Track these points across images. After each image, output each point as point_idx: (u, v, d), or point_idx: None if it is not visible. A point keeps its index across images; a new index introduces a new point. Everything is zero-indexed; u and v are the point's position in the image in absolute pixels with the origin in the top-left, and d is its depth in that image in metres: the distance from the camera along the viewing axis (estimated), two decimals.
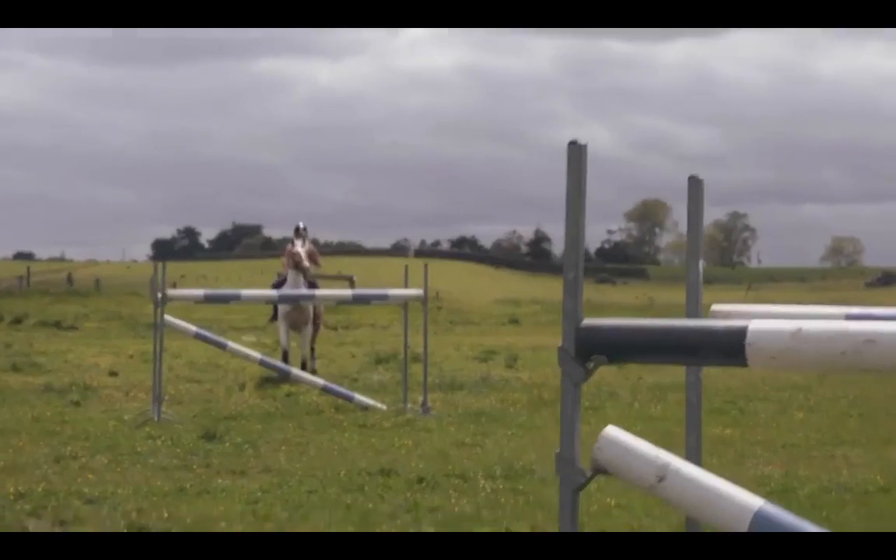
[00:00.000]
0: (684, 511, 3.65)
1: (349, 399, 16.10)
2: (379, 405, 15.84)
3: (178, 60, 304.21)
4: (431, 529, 8.42)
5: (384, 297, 17.70)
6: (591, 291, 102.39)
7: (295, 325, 19.82)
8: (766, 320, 3.34)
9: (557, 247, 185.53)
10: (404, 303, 17.01)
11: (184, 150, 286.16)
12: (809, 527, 3.26)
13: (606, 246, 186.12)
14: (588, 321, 3.64)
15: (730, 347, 3.30)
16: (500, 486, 10.17)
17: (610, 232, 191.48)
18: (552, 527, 8.54)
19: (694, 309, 4.34)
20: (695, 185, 4.33)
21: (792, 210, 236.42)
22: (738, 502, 3.38)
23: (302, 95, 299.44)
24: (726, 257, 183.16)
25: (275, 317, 20.88)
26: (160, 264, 15.34)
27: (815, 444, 12.92)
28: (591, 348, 3.61)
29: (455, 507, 9.28)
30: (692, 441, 4.46)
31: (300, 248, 19.76)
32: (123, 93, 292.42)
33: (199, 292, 18.27)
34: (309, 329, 19.84)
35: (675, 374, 18.83)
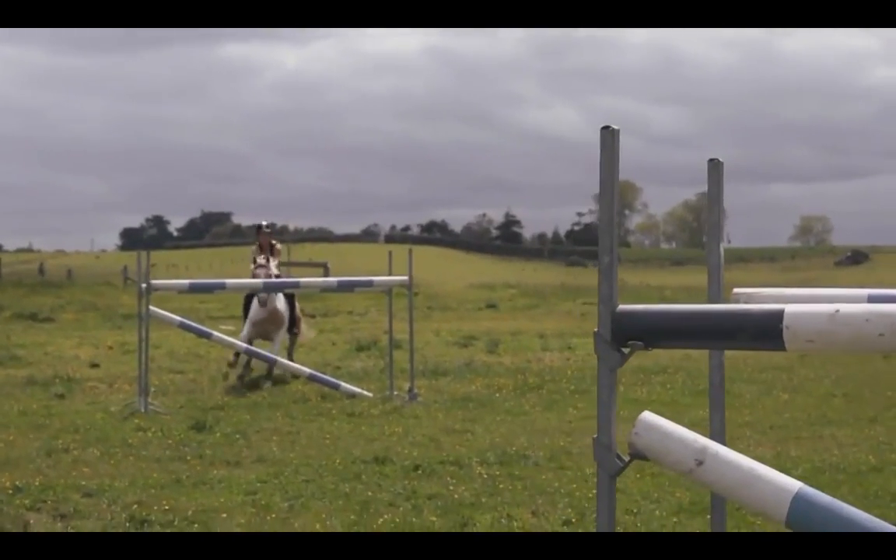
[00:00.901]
0: (723, 494, 3.68)
1: (335, 387, 16.16)
2: (365, 393, 15.89)
3: (142, 46, 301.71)
4: (433, 518, 8.46)
5: (369, 284, 17.54)
6: (563, 274, 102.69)
7: (265, 334, 17.87)
8: (802, 304, 3.38)
9: (528, 230, 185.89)
10: (388, 289, 17.00)
11: (150, 138, 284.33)
12: (849, 509, 3.31)
13: (576, 228, 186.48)
14: (624, 307, 3.67)
15: (767, 331, 3.33)
16: (496, 473, 10.20)
17: (579, 214, 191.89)
18: (552, 513, 8.62)
19: (716, 293, 4.37)
20: (715, 167, 4.36)
21: (760, 190, 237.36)
22: (778, 485, 3.41)
23: (269, 80, 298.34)
24: (696, 238, 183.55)
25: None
26: (143, 253, 15.29)
27: (802, 424, 13.02)
28: (627, 334, 3.64)
29: (454, 493, 9.31)
30: (716, 424, 4.49)
31: (262, 260, 17.87)
32: (87, 80, 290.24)
33: (185, 282, 17.97)
34: (281, 334, 18.00)
35: (656, 356, 18.94)
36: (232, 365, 17.63)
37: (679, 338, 3.70)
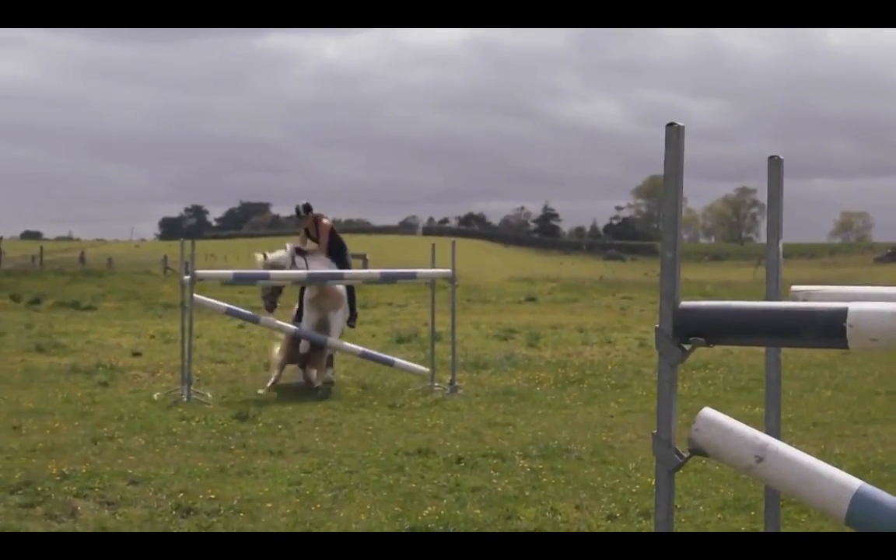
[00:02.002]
0: (783, 491, 3.68)
1: (390, 363, 16.44)
2: (420, 368, 16.19)
3: (184, 37, 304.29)
4: (477, 510, 8.47)
5: (412, 276, 17.31)
6: (601, 268, 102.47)
7: (322, 315, 16.33)
8: (865, 302, 3.37)
9: (566, 223, 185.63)
10: (432, 281, 16.98)
11: (190, 128, 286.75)
12: None
13: (615, 222, 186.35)
14: (686, 303, 3.68)
15: (831, 329, 3.34)
16: (539, 466, 10.21)
17: (618, 208, 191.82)
18: (596, 507, 8.63)
19: (775, 289, 4.37)
20: (775, 164, 4.36)
21: (801, 185, 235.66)
22: (838, 482, 3.41)
23: (309, 70, 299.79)
24: (735, 233, 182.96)
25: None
26: (187, 243, 15.37)
27: (845, 422, 12.96)
28: (689, 330, 3.65)
29: (497, 487, 9.32)
30: (772, 421, 4.50)
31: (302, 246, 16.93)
32: (128, 70, 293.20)
33: (229, 272, 17.96)
34: (340, 316, 16.50)
35: (697, 352, 18.83)
36: (271, 388, 15.97)
37: (741, 335, 3.71)
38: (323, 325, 16.25)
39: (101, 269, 64.55)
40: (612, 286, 57.61)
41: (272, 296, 16.96)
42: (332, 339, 16.25)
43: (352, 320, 17.29)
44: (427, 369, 15.89)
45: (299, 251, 16.68)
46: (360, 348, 16.94)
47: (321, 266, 16.40)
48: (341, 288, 16.60)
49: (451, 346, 16.17)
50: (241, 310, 17.39)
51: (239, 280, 17.94)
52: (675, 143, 3.69)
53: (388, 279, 18.45)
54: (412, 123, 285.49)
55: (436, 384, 15.76)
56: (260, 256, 16.86)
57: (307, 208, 17.31)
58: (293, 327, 16.58)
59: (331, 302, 16.43)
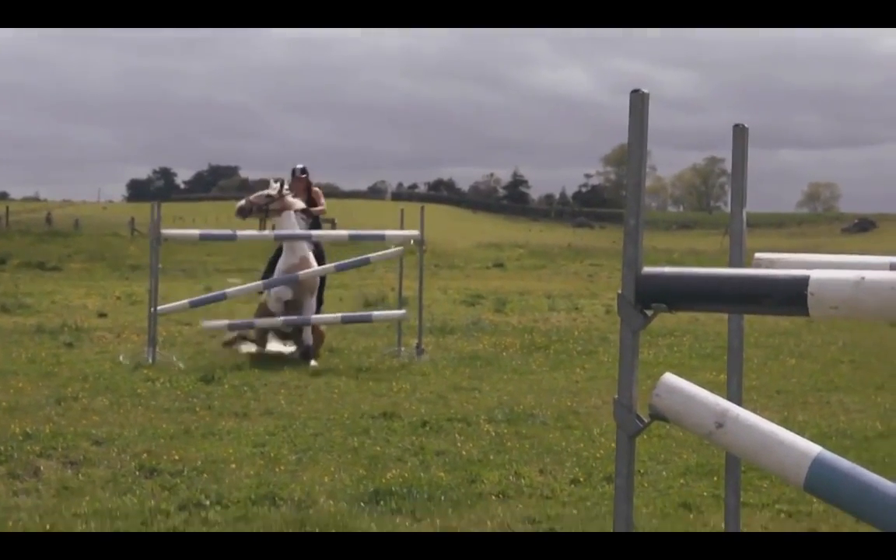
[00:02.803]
0: (742, 457, 3.70)
1: (368, 319, 16.80)
2: (397, 312, 16.23)
3: None
4: (441, 474, 8.48)
5: (381, 238, 16.52)
6: (570, 235, 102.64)
7: (298, 294, 15.49)
8: (827, 270, 3.38)
9: (535, 190, 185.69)
10: (400, 244, 16.88)
11: (159, 90, 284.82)
12: (867, 474, 3.32)
13: (584, 190, 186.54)
14: (648, 269, 3.68)
15: (792, 297, 3.34)
16: (504, 431, 10.23)
17: (587, 176, 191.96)
18: (560, 471, 8.66)
19: (738, 257, 4.38)
20: (739, 132, 4.37)
21: (769, 155, 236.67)
22: (797, 449, 3.43)
23: (278, 35, 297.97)
24: (703, 202, 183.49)
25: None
26: (155, 204, 15.30)
27: (809, 389, 13.04)
28: (651, 296, 3.65)
29: (462, 450, 9.34)
30: (733, 387, 4.52)
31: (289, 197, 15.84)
32: (96, 30, 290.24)
33: (195, 232, 17.81)
34: (313, 303, 15.74)
35: (663, 319, 18.94)
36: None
37: (703, 301, 3.72)
38: (296, 308, 15.58)
39: (67, 231, 64.20)
40: (580, 253, 57.78)
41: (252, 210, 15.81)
42: (314, 317, 15.70)
43: (319, 307, 16.29)
44: (404, 311, 15.99)
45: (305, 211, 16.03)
46: (340, 315, 16.63)
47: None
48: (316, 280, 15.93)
49: (418, 310, 16.14)
50: (205, 296, 16.62)
51: (205, 238, 17.79)
52: (639, 109, 3.69)
53: (356, 239, 18.31)
54: (382, 89, 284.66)
55: (402, 348, 15.76)
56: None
57: (304, 171, 16.69)
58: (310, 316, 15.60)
59: (308, 285, 15.67)
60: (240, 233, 16.31)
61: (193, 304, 15.26)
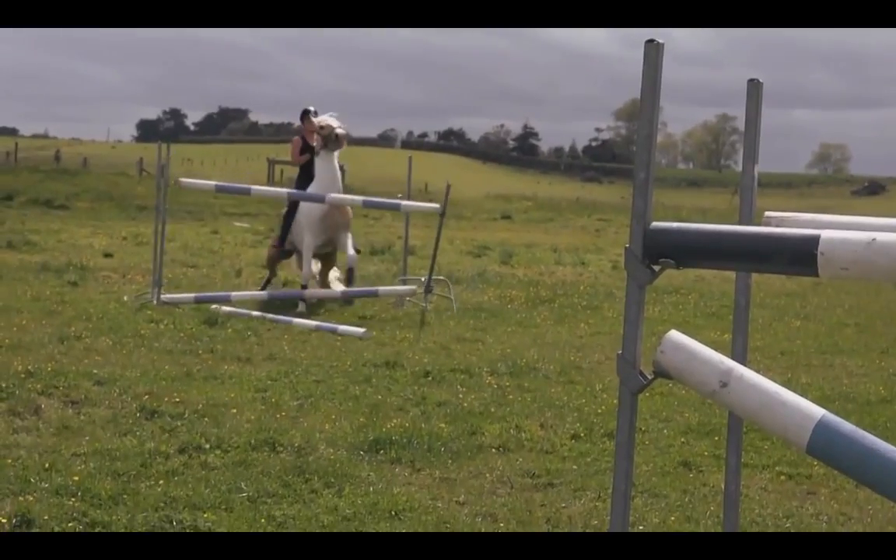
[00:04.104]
0: (745, 417, 3.66)
1: (374, 294, 15.36)
2: (405, 288, 15.40)
3: None
4: (442, 424, 8.47)
5: (396, 207, 15.85)
6: (578, 189, 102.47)
7: (335, 231, 15.38)
8: (838, 230, 3.34)
9: (545, 143, 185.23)
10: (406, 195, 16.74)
11: (170, 29, 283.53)
12: (871, 439, 3.29)
13: (594, 144, 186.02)
14: (657, 224, 3.63)
15: (801, 256, 3.29)
16: (506, 383, 10.22)
17: (598, 130, 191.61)
18: (560, 426, 8.64)
19: (748, 214, 4.33)
20: (754, 87, 4.30)
21: (780, 114, 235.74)
22: (801, 411, 3.38)
23: None
24: (714, 161, 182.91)
25: (282, 244, 15.87)
26: (164, 146, 15.23)
27: (813, 352, 13.00)
28: (659, 251, 3.60)
29: (463, 402, 9.32)
30: (738, 346, 4.47)
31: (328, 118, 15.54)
32: None
33: (210, 183, 17.42)
34: (348, 238, 15.42)
35: (670, 276, 18.86)
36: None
37: (711, 258, 3.66)
38: (331, 246, 15.62)
39: (75, 169, 64.07)
40: (588, 208, 57.65)
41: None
42: (315, 291, 15.43)
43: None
44: (413, 287, 15.32)
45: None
46: (340, 290, 15.46)
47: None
48: (350, 216, 15.74)
49: (430, 261, 16.00)
50: (209, 294, 15.74)
51: (221, 191, 17.51)
52: (653, 60, 3.63)
53: (370, 206, 17.69)
54: (395, 36, 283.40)
55: (407, 299, 15.71)
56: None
57: (315, 113, 16.04)
58: (309, 272, 15.51)
59: (343, 219, 15.52)
60: (254, 188, 16.08)
61: (199, 300, 14.57)
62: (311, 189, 15.27)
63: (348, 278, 15.27)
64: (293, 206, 15.59)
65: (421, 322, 13.93)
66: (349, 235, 15.53)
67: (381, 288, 15.37)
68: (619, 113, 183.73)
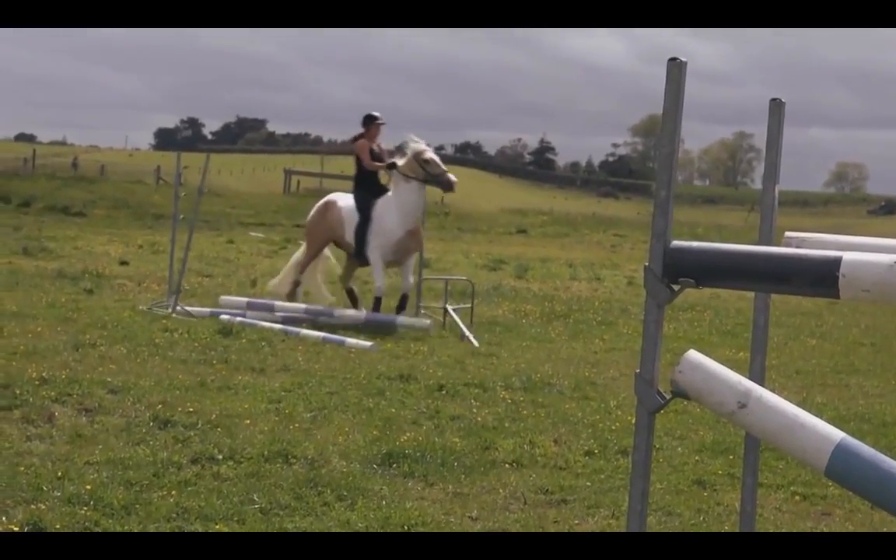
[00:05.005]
0: (764, 439, 3.64)
1: (392, 323, 14.57)
2: (423, 322, 14.70)
3: None
4: (456, 439, 8.44)
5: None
6: (594, 204, 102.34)
7: (405, 256, 15.47)
8: (859, 252, 3.32)
9: (562, 157, 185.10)
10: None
11: (189, 38, 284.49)
12: (888, 462, 3.27)
13: (611, 159, 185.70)
14: (677, 243, 3.61)
15: (823, 278, 3.27)
16: (520, 398, 10.18)
17: (615, 145, 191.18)
18: (574, 442, 8.60)
19: (768, 234, 4.31)
20: (776, 107, 4.29)
21: (797, 133, 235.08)
22: (820, 433, 3.36)
23: None
24: (730, 178, 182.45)
25: (361, 258, 15.47)
26: (182, 154, 15.31)
27: (828, 371, 12.94)
28: (679, 270, 3.58)
29: (477, 416, 9.29)
30: (757, 367, 4.45)
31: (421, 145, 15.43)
32: None
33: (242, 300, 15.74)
34: (411, 263, 15.64)
35: (685, 293, 18.78)
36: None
37: (732, 278, 3.64)
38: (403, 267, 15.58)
39: (93, 176, 64.36)
40: (604, 223, 57.57)
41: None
42: (339, 311, 15.19)
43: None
44: (429, 322, 14.71)
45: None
46: (364, 314, 14.97)
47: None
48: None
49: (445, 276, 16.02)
50: (229, 312, 15.33)
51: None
52: (676, 78, 3.61)
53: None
54: (413, 48, 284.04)
55: (422, 310, 15.71)
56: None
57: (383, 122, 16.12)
58: (381, 285, 15.33)
59: (416, 245, 15.63)
60: (277, 303, 15.19)
61: (214, 314, 14.42)
62: (396, 212, 15.17)
63: (400, 305, 15.27)
64: (367, 219, 15.38)
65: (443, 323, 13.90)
66: (412, 262, 15.58)
67: (399, 318, 14.94)
68: (635, 129, 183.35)
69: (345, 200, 15.75)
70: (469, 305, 15.48)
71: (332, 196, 16.22)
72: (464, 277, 16.14)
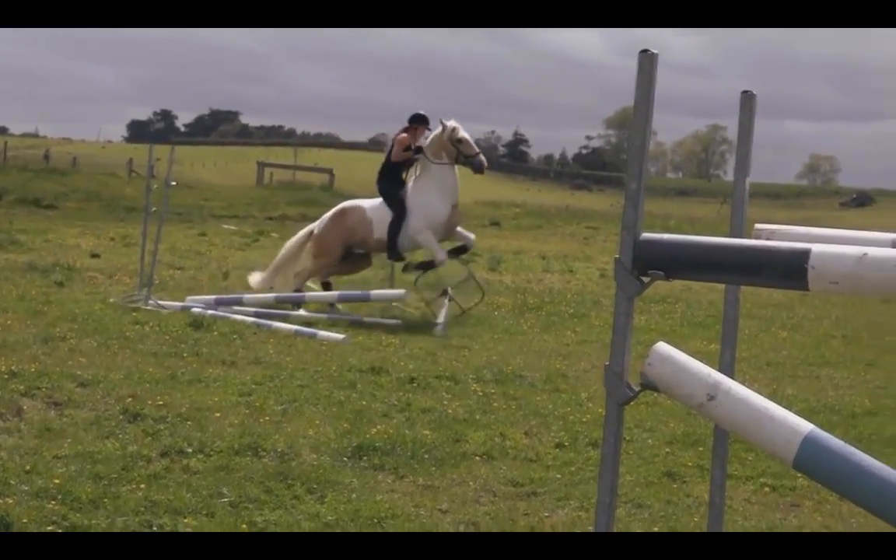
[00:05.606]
0: (733, 431, 3.65)
1: (366, 298, 14.86)
2: (397, 292, 14.92)
3: None
4: (426, 431, 8.44)
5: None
6: (568, 197, 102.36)
7: (450, 232, 15.84)
8: (829, 245, 3.33)
9: (535, 150, 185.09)
10: None
11: (162, 29, 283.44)
12: (857, 454, 3.28)
13: (584, 152, 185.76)
14: (647, 235, 3.61)
15: (792, 270, 3.28)
16: (491, 391, 10.19)
17: (589, 138, 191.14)
18: (545, 435, 8.61)
19: (739, 226, 4.32)
20: (747, 99, 4.30)
21: (772, 125, 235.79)
22: (789, 425, 3.38)
23: None
24: (703, 170, 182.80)
25: (396, 253, 15.81)
26: (156, 147, 15.20)
27: (799, 363, 12.99)
28: (649, 263, 3.59)
29: (448, 409, 9.29)
30: (727, 359, 4.46)
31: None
32: None
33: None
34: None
35: (656, 285, 18.77)
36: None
37: (701, 271, 3.64)
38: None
39: (65, 168, 63.86)
40: (577, 215, 57.58)
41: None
42: (309, 293, 15.39)
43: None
44: (403, 291, 14.90)
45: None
46: (336, 294, 15.18)
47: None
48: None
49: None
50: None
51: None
52: (647, 70, 3.61)
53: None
54: (388, 39, 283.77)
55: (393, 303, 15.70)
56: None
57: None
58: (442, 255, 15.66)
59: (458, 221, 16.08)
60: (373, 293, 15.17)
61: (184, 308, 14.30)
62: (437, 193, 15.51)
63: (460, 250, 15.83)
64: (401, 213, 15.55)
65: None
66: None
67: (371, 292, 15.07)
68: (609, 121, 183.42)
69: (365, 203, 15.97)
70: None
71: (345, 203, 16.30)
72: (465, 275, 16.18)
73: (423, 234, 15.48)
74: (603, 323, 15.12)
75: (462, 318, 15.01)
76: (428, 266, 15.80)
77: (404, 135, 15.97)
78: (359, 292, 15.08)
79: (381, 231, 15.52)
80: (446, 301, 15.17)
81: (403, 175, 15.89)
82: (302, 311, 14.58)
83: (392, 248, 15.61)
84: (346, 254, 15.94)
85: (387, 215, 15.53)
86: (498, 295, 18.11)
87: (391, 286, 15.81)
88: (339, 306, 14.92)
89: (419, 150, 15.68)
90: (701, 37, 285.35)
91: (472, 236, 16.05)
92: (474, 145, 15.82)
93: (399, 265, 16.22)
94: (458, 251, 15.91)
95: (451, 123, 15.60)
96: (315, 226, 15.98)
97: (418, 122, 16.16)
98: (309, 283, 15.85)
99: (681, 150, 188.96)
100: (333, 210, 16.17)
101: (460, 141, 15.56)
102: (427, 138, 15.80)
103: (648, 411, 9.43)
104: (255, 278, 16.18)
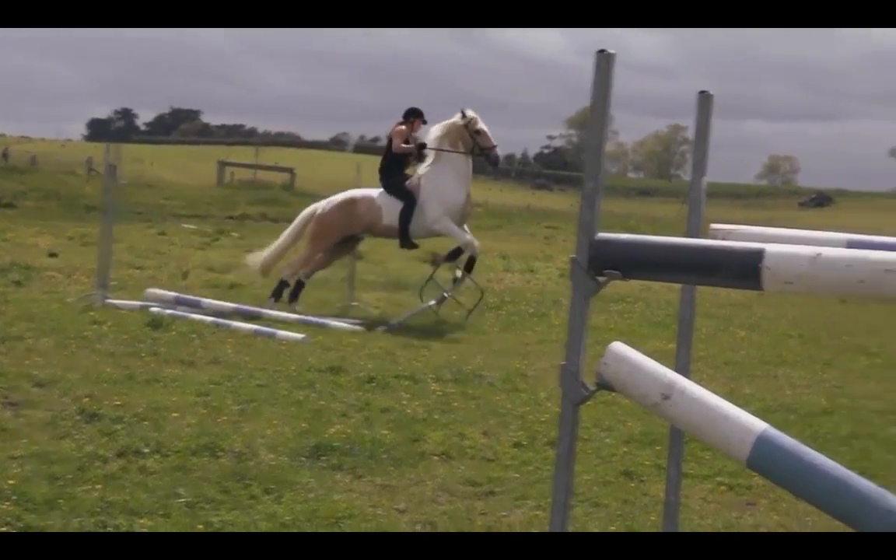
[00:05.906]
0: (687, 430, 3.67)
1: (324, 325, 13.92)
2: (356, 326, 14.13)
3: None
4: (385, 431, 8.43)
5: None
6: (529, 196, 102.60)
7: (463, 219, 15.98)
8: (783, 245, 3.35)
9: (497, 149, 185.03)
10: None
11: (123, 27, 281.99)
12: (810, 453, 3.30)
13: (546, 151, 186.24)
14: (603, 235, 3.63)
15: (746, 270, 3.31)
16: (451, 390, 10.19)
17: (550, 137, 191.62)
18: (503, 434, 8.63)
19: (696, 226, 4.35)
20: (704, 99, 4.32)
21: (732, 125, 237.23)
22: (742, 425, 3.40)
23: None
24: (664, 170, 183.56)
25: (409, 241, 15.82)
26: (113, 146, 15.12)
27: (756, 363, 13.06)
28: (605, 262, 3.60)
29: (407, 408, 9.29)
30: (682, 359, 4.49)
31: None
32: None
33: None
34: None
35: (615, 284, 18.83)
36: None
37: (657, 270, 3.66)
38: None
39: (23, 167, 63.50)
40: (538, 215, 57.79)
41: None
42: (269, 310, 14.69)
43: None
44: (361, 327, 14.03)
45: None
46: (297, 316, 14.49)
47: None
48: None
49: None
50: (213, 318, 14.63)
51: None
52: (604, 70, 3.63)
53: None
54: (350, 39, 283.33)
55: (354, 303, 15.71)
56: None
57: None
58: (467, 237, 15.71)
59: (470, 209, 16.32)
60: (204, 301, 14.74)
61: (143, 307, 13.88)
62: (453, 179, 15.58)
63: (469, 266, 15.84)
64: (411, 202, 15.56)
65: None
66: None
67: (330, 321, 14.42)
68: (571, 121, 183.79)
69: (373, 191, 15.91)
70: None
71: (354, 192, 16.16)
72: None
73: (441, 222, 15.48)
74: (562, 322, 15.14)
75: (422, 318, 14.99)
76: (456, 254, 15.89)
77: (402, 127, 16.01)
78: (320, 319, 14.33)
79: (390, 217, 15.50)
80: (432, 302, 15.16)
81: (406, 167, 15.97)
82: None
83: (404, 235, 15.61)
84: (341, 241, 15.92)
85: (397, 203, 15.55)
86: (458, 294, 18.10)
87: (429, 289, 15.74)
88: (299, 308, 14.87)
89: (423, 146, 15.74)
90: (663, 37, 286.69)
91: (475, 243, 15.97)
92: (492, 138, 15.89)
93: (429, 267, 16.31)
94: (456, 253, 15.96)
95: (470, 113, 15.72)
96: (319, 205, 15.92)
97: (414, 115, 16.20)
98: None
99: (642, 150, 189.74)
100: (342, 196, 15.99)
101: (479, 132, 15.69)
102: (428, 129, 15.95)
103: (607, 410, 9.45)
104: (254, 258, 16.14)
